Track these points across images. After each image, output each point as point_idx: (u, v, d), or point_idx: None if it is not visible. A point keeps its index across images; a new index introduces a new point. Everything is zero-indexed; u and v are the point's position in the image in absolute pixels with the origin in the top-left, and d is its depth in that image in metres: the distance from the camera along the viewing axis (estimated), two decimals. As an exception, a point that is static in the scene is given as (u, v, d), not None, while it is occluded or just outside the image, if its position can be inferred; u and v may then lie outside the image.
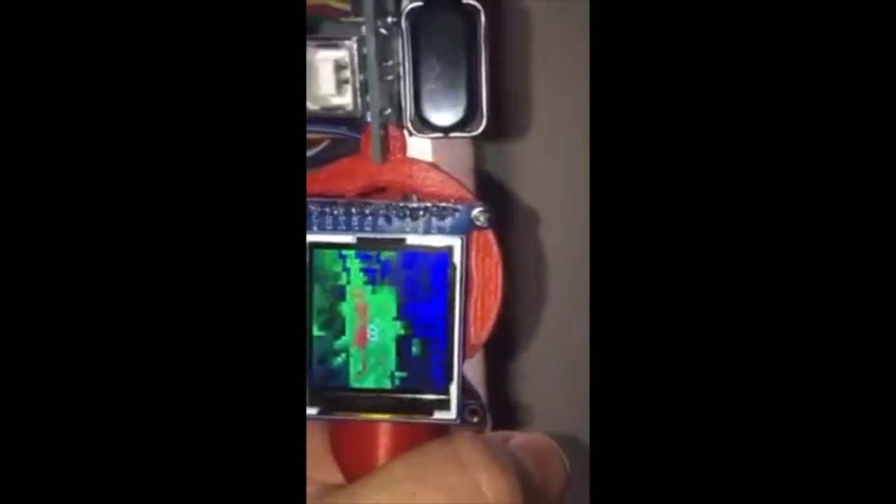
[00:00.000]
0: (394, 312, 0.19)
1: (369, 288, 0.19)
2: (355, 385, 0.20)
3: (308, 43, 0.18)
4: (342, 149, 0.23)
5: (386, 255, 0.19)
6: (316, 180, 0.20)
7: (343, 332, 0.20)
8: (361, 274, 0.19)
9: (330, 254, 0.19)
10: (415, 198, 0.20)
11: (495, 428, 0.23)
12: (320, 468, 0.21)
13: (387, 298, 0.19)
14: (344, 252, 0.19)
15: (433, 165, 0.20)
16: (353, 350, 0.20)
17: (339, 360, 0.20)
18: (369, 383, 0.20)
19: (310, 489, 0.20)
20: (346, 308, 0.20)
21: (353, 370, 0.20)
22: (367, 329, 0.20)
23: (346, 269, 0.19)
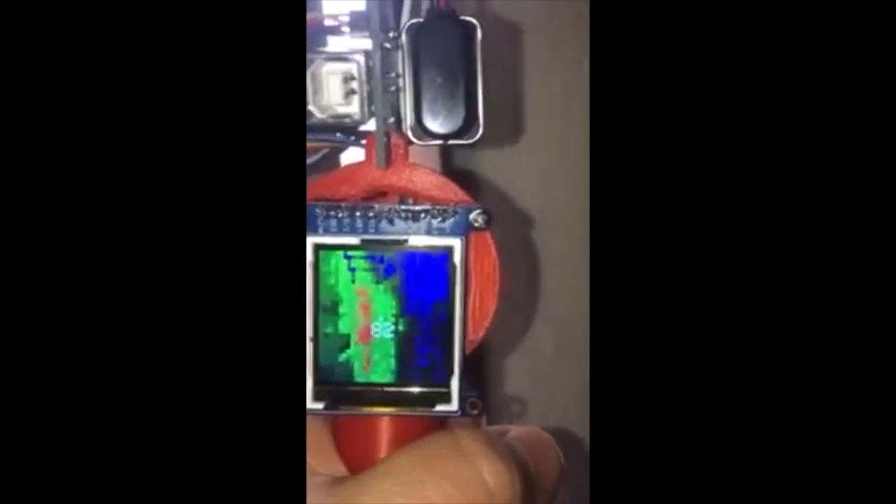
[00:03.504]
0: (397, 310, 0.21)
1: (373, 287, 0.20)
2: (360, 380, 0.21)
3: (318, 56, 0.19)
4: (339, 156, 0.24)
5: (389, 255, 0.20)
6: (321, 185, 0.21)
7: (348, 330, 0.21)
8: (365, 273, 0.20)
9: (335, 254, 0.20)
10: (410, 201, 0.21)
11: (491, 422, 0.24)
12: (325, 461, 0.22)
13: (390, 296, 0.20)
14: (349, 253, 0.20)
15: (432, 170, 0.21)
16: (357, 346, 0.21)
17: (345, 356, 0.21)
18: (373, 378, 0.21)
19: (316, 481, 0.21)
20: (351, 306, 0.21)
21: (357, 366, 0.21)
22: (371, 326, 0.21)
23: (352, 269, 0.20)
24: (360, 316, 0.21)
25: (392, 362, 0.21)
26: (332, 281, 0.21)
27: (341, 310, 0.21)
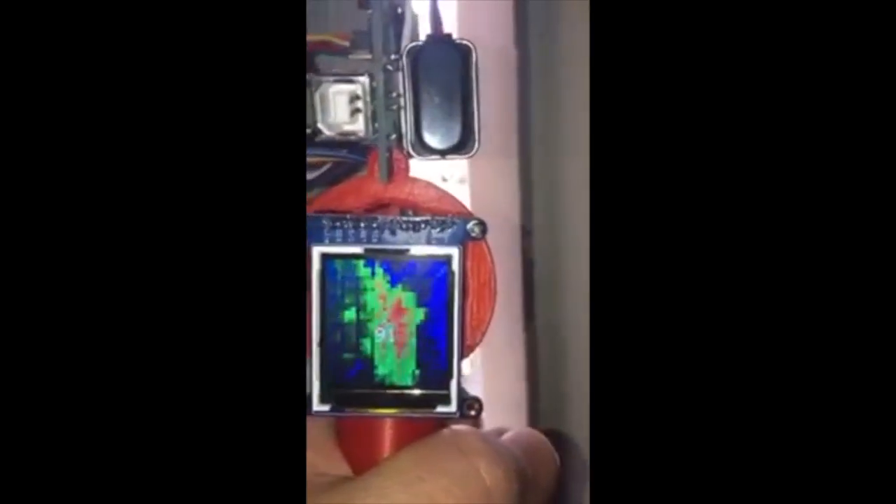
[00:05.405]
0: (398, 316, 0.22)
1: (376, 294, 0.22)
2: (364, 383, 0.22)
3: (326, 78, 0.20)
4: (342, 170, 0.25)
5: (392, 264, 0.22)
6: (327, 198, 0.22)
7: (352, 335, 0.22)
8: (369, 281, 0.22)
9: (341, 263, 0.22)
10: (410, 212, 0.23)
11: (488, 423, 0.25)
12: (329, 462, 0.23)
13: (392, 303, 0.22)
14: (354, 262, 0.22)
15: (431, 184, 0.23)
16: (361, 351, 0.22)
17: (349, 360, 0.22)
18: (377, 381, 0.22)
19: (320, 481, 0.22)
20: (354, 313, 0.22)
21: (361, 369, 0.22)
22: (374, 331, 0.22)
23: (356, 278, 0.22)
24: (363, 322, 0.22)
25: (394, 366, 0.22)
26: (338, 289, 0.22)
27: (346, 316, 0.22)
